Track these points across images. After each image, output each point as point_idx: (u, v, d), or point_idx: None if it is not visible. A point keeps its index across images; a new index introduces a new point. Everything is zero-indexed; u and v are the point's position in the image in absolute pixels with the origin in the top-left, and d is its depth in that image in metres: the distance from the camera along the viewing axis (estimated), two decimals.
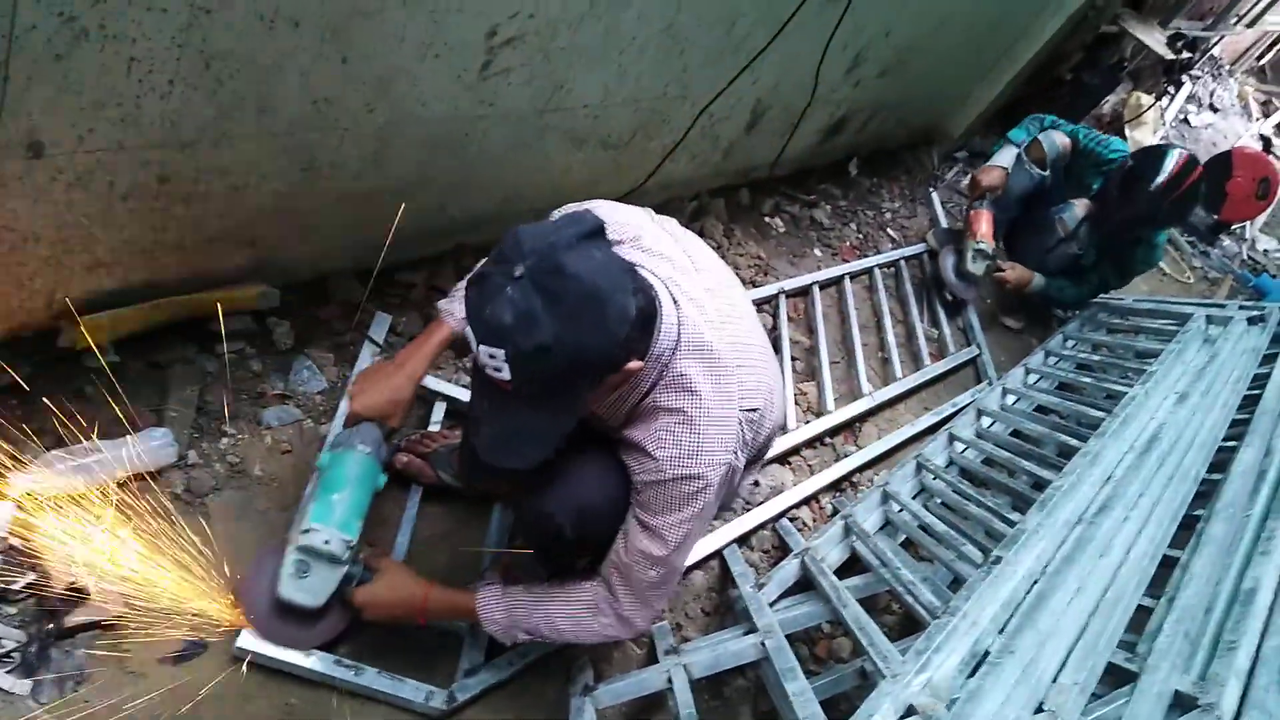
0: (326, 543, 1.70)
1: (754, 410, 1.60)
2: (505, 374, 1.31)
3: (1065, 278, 4.03)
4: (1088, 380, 3.24)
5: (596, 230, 1.37)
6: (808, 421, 3.02)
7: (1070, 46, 5.36)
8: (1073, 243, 3.93)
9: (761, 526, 2.63)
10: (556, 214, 1.75)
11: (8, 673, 1.56)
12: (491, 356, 1.30)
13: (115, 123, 1.57)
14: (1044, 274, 4.00)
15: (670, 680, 1.94)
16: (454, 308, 1.83)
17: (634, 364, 1.42)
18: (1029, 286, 4.00)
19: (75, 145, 1.56)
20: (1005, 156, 3.93)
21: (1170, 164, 3.53)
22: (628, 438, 1.57)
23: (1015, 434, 3.04)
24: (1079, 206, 3.90)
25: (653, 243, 1.60)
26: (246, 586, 1.80)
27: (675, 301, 1.51)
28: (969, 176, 4.27)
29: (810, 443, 3.00)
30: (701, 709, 1.95)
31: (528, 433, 1.42)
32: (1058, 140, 3.85)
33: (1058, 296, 4.08)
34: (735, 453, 1.58)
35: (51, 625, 1.62)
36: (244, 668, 1.75)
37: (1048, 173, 3.89)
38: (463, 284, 1.85)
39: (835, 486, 2.92)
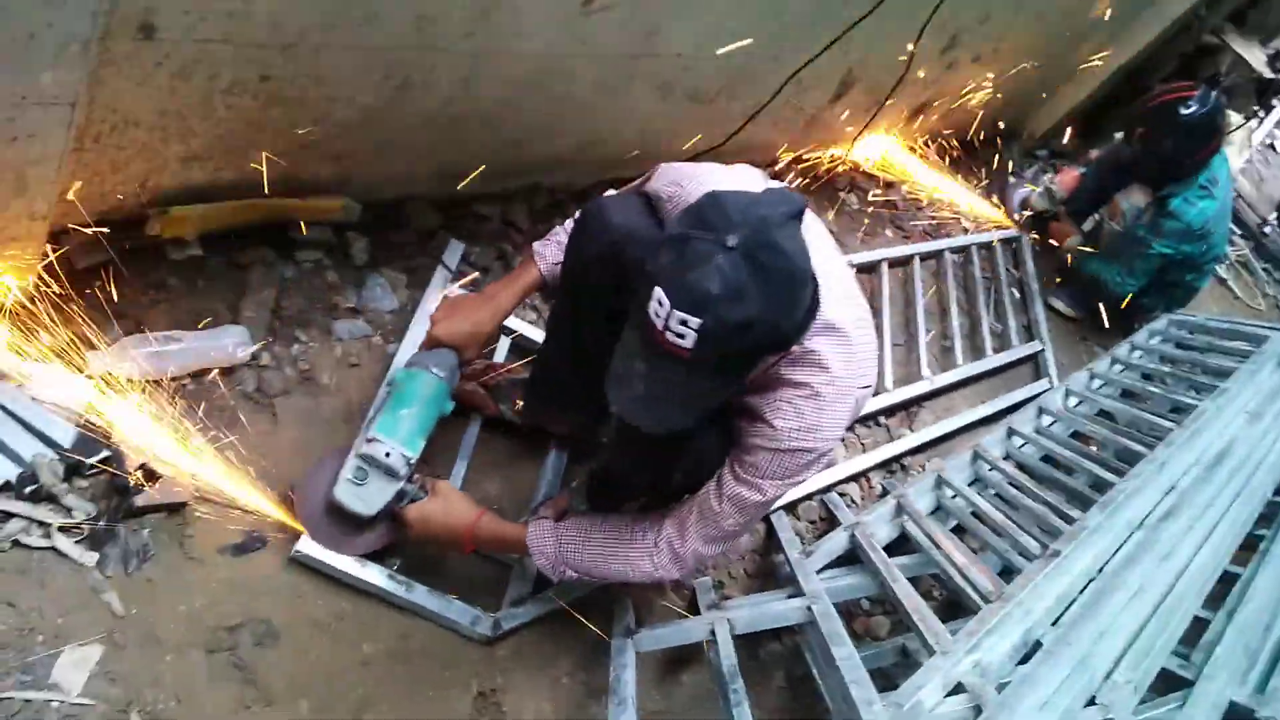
0: (387, 455, 1.73)
1: (867, 387, 1.59)
2: (688, 342, 1.25)
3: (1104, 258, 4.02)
4: (1155, 390, 3.17)
5: (801, 210, 1.33)
6: None
7: (1165, 55, 5.20)
8: (1114, 221, 3.98)
9: (809, 497, 2.62)
10: (660, 172, 1.73)
11: (76, 543, 1.59)
12: (683, 323, 1.24)
13: (225, 15, 1.57)
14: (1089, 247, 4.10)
15: (713, 632, 1.94)
16: (547, 251, 1.83)
17: (796, 347, 1.41)
18: (1066, 242, 4.23)
19: (184, 33, 1.56)
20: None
21: None
22: (746, 403, 1.55)
23: (1075, 435, 2.99)
24: (1138, 192, 3.90)
25: None
26: (304, 484, 1.82)
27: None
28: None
29: (865, 420, 2.98)
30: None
31: (683, 400, 1.37)
32: None
33: (1083, 261, 4.08)
34: (847, 427, 1.59)
35: (121, 503, 1.64)
36: (300, 569, 1.78)
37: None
38: (559, 228, 1.86)
39: (885, 466, 2.89)
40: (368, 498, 1.75)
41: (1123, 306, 4.04)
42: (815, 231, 1.62)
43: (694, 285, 1.23)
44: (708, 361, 1.29)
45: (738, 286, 1.23)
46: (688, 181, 1.64)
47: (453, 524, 1.79)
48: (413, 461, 1.77)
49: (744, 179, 1.66)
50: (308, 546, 1.76)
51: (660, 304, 1.26)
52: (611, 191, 1.85)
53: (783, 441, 1.51)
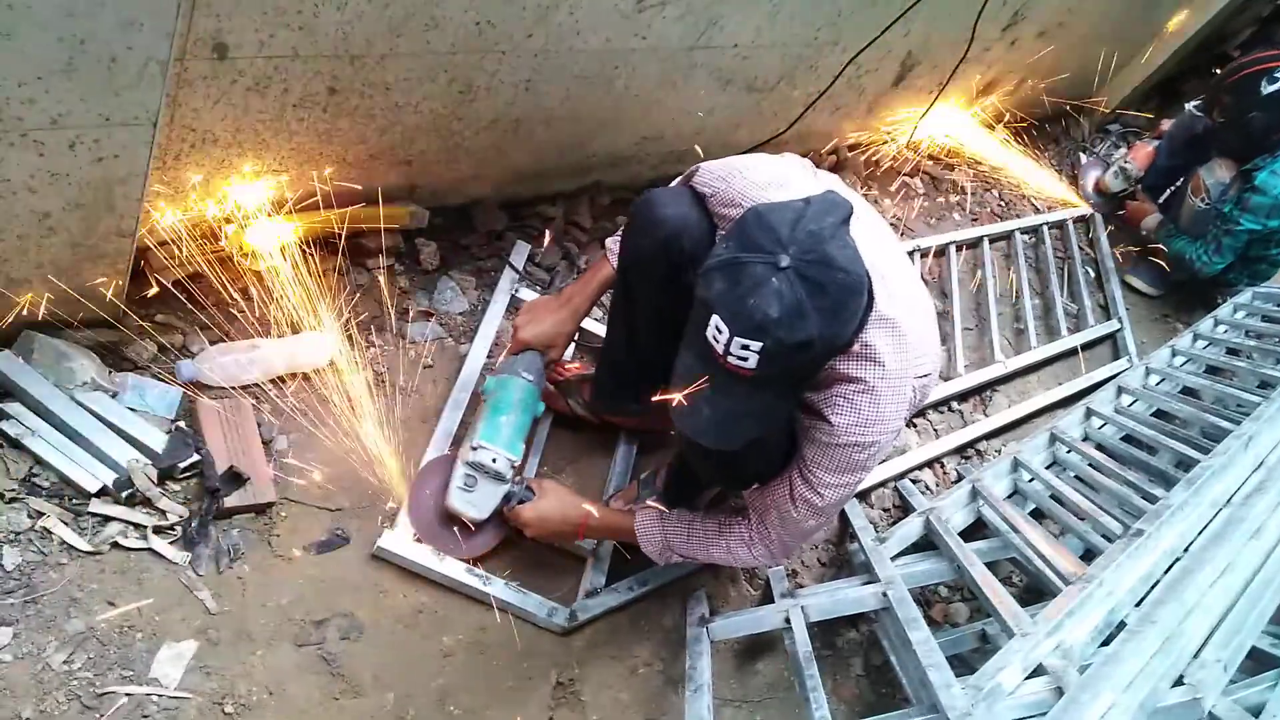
0: (494, 460, 1.80)
1: (925, 376, 1.60)
2: (751, 363, 1.27)
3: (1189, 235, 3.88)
4: (1240, 365, 3.07)
5: (848, 215, 1.33)
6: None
7: (1240, 22, 5.01)
8: (1198, 198, 3.80)
9: (883, 484, 2.60)
10: (701, 170, 1.73)
11: (170, 544, 1.67)
12: (744, 348, 1.26)
13: (294, 30, 1.63)
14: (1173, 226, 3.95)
15: (788, 620, 1.94)
16: (617, 246, 1.85)
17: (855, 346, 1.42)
18: (1144, 221, 4.09)
19: (256, 50, 1.62)
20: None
21: None
22: (805, 398, 1.55)
23: (1157, 414, 2.91)
24: (1220, 166, 3.75)
25: None
26: (412, 495, 1.89)
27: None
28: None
29: (937, 406, 2.94)
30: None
31: (752, 415, 1.38)
32: None
33: (1168, 241, 3.93)
34: (905, 418, 1.59)
35: (211, 505, 1.71)
36: (381, 564, 1.84)
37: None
38: None
39: (960, 452, 2.85)
40: (479, 502, 1.83)
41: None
42: (866, 220, 1.61)
43: (753, 311, 1.24)
44: (771, 378, 1.31)
45: (797, 307, 1.23)
46: (730, 176, 1.65)
47: (568, 518, 1.86)
48: (516, 464, 1.84)
49: (788, 168, 1.65)
50: (389, 542, 1.81)
51: (719, 330, 1.27)
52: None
53: (840, 437, 1.52)
